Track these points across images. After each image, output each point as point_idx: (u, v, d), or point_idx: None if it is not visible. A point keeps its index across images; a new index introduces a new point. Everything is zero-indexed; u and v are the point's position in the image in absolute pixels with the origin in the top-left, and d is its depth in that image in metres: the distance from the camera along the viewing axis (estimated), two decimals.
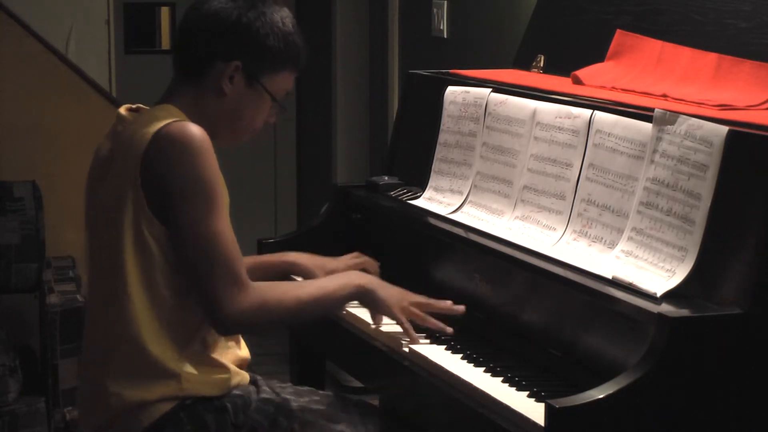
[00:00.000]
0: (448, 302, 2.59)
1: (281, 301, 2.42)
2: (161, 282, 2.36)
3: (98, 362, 2.42)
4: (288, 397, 2.56)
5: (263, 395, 2.50)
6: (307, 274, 2.78)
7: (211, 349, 2.45)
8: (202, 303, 2.37)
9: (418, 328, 2.57)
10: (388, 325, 2.62)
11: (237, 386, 2.48)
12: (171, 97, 2.48)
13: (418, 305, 2.56)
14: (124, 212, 2.35)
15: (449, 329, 2.54)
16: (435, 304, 2.58)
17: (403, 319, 2.54)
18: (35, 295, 4.29)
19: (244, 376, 2.52)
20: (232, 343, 2.52)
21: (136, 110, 2.50)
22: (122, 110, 2.49)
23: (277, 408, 2.49)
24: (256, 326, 2.49)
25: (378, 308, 2.58)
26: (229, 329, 2.43)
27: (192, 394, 2.39)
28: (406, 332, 2.54)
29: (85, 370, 2.51)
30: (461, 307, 2.57)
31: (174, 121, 2.36)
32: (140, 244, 2.35)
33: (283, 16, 2.49)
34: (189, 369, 2.39)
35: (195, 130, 2.35)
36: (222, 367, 2.46)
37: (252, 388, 2.51)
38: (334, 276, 2.65)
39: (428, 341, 2.56)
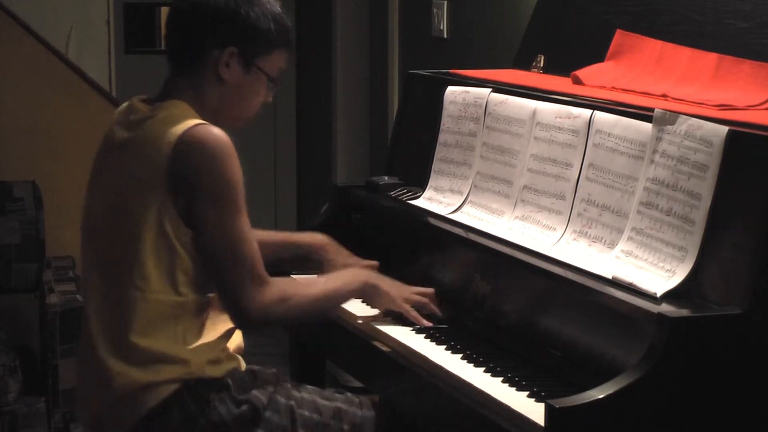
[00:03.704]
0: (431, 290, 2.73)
1: (298, 297, 2.50)
2: (182, 279, 2.42)
3: (104, 345, 2.44)
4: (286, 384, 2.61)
5: (261, 377, 2.55)
6: (326, 264, 2.89)
7: (220, 337, 2.49)
8: (225, 299, 2.44)
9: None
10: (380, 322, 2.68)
11: (236, 369, 2.53)
12: (171, 94, 2.50)
13: (417, 293, 2.70)
14: (146, 212, 2.39)
15: (438, 312, 2.69)
16: (427, 292, 2.73)
17: (409, 308, 2.67)
18: (35, 295, 4.29)
19: (242, 363, 2.57)
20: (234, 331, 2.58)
21: (148, 99, 2.53)
22: (134, 99, 2.52)
23: (276, 387, 2.53)
24: (275, 320, 2.54)
25: (383, 301, 2.68)
26: (251, 323, 2.48)
27: (197, 376, 2.44)
28: (414, 320, 2.66)
29: (87, 352, 2.50)
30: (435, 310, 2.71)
31: (197, 125, 2.40)
32: (162, 242, 2.39)
33: None
34: (198, 355, 2.44)
35: (220, 133, 2.40)
36: (228, 354, 2.52)
37: (249, 376, 2.54)
38: (338, 273, 2.76)
39: (428, 340, 2.57)
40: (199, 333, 2.46)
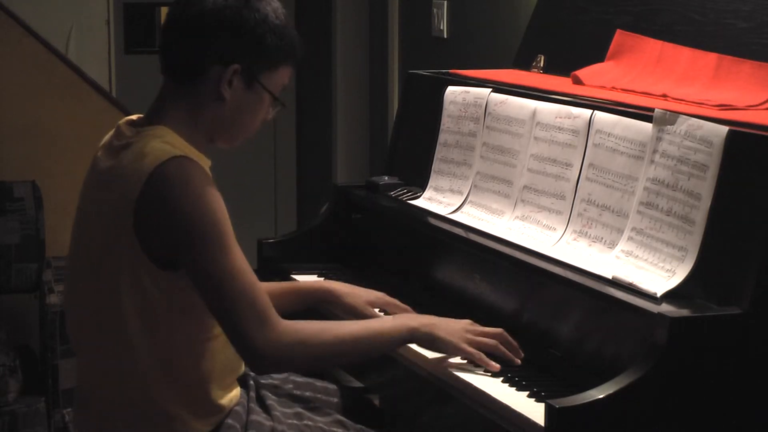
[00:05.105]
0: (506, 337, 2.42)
1: (322, 338, 2.29)
2: (164, 326, 2.25)
3: (95, 405, 2.35)
4: (284, 410, 2.47)
5: (253, 417, 2.41)
6: (344, 305, 2.65)
7: (210, 388, 2.34)
8: (236, 344, 2.25)
9: None
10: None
11: (230, 412, 2.39)
12: (164, 109, 2.31)
13: (482, 334, 2.41)
14: (118, 256, 2.23)
15: (518, 360, 2.39)
16: (498, 335, 2.42)
17: (474, 352, 2.37)
18: (35, 295, 4.28)
19: (236, 395, 2.41)
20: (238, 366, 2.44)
21: (135, 122, 2.34)
22: (121, 123, 2.35)
23: None
24: (293, 364, 2.36)
25: (442, 349, 2.40)
26: (267, 368, 2.32)
27: None
28: (483, 364, 2.36)
29: (81, 411, 2.41)
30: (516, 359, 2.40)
31: (170, 159, 2.20)
32: (139, 288, 2.23)
33: (275, 8, 2.33)
34: (186, 412, 2.30)
35: (194, 170, 2.22)
36: (219, 407, 2.36)
37: (243, 406, 2.41)
38: (386, 318, 2.50)
39: None
40: (188, 384, 2.29)
